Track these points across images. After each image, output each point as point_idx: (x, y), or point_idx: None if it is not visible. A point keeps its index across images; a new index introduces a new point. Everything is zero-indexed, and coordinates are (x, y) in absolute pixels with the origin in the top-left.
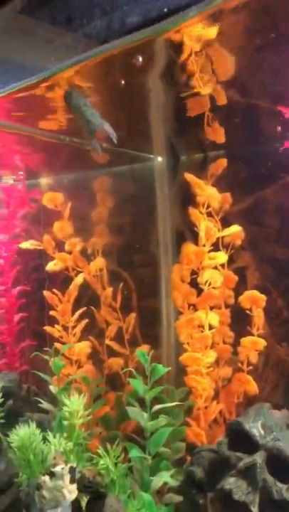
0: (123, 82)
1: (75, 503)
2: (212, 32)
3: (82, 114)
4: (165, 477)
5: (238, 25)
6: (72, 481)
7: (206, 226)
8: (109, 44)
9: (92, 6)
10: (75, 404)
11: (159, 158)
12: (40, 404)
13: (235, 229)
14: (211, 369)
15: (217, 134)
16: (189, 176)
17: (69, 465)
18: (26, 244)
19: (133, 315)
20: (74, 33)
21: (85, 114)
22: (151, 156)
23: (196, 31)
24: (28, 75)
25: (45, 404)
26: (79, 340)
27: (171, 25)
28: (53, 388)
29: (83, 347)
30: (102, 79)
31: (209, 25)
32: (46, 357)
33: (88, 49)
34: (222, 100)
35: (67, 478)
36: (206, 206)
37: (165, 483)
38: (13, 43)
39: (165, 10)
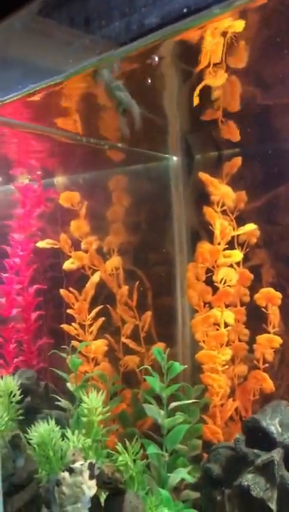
0: (149, 80)
1: (94, 499)
2: (237, 25)
3: (111, 91)
4: (182, 474)
5: (259, 23)
6: (91, 477)
7: (221, 224)
8: (127, 46)
9: (110, 8)
10: (93, 401)
11: (174, 158)
12: (58, 403)
13: (251, 227)
14: (227, 367)
15: (232, 132)
16: (203, 175)
17: (88, 461)
18: (43, 244)
19: (149, 313)
20: (92, 35)
21: (115, 91)
22: (167, 155)
23: (217, 27)
24: (46, 76)
25: (63, 402)
26: (95, 338)
27: (187, 26)
28: (70, 386)
29: (100, 345)
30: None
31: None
32: (63, 355)
33: (106, 50)
34: (236, 99)
35: (86, 474)
36: (220, 205)
37: (182, 480)
38: (32, 45)
39: (185, 10)
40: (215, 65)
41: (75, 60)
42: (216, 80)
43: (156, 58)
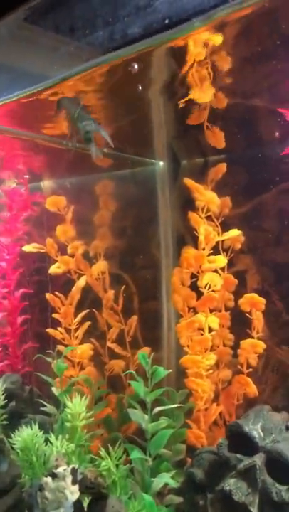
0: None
1: (77, 504)
2: (216, 39)
3: (74, 122)
4: (166, 478)
5: (239, 32)
6: (74, 482)
7: (205, 230)
8: (113, 53)
9: (94, 16)
10: (77, 406)
11: (161, 163)
12: (43, 408)
13: (235, 233)
14: (211, 371)
15: (217, 138)
16: (188, 181)
17: (71, 466)
18: (29, 248)
19: (134, 317)
20: (77, 42)
21: (78, 122)
22: (153, 160)
23: (198, 39)
24: (32, 82)
25: (47, 406)
26: (81, 343)
27: (172, 36)
28: (55, 390)
29: (85, 349)
30: (104, 86)
31: (212, 33)
32: (49, 359)
33: (92, 58)
34: (221, 105)
35: (69, 479)
36: (205, 210)
37: (165, 485)
38: (18, 51)
39: (166, 21)
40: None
41: (61, 67)
42: (204, 95)
43: (136, 66)
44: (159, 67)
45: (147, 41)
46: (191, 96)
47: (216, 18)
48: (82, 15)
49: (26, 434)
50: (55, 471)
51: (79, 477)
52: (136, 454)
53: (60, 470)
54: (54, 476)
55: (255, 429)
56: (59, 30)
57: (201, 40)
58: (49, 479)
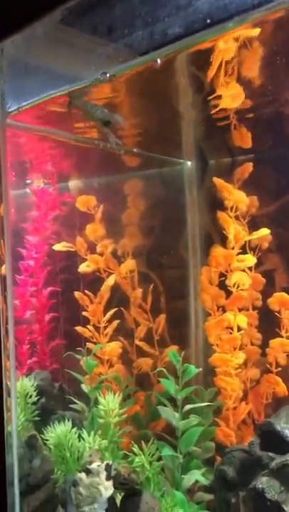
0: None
1: (111, 500)
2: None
3: (89, 113)
4: (196, 476)
5: (272, 31)
6: (108, 478)
7: (234, 229)
8: (149, 55)
9: (133, 17)
10: (110, 403)
11: (189, 163)
12: (73, 405)
13: (264, 232)
14: (240, 370)
15: (244, 138)
16: (218, 181)
17: (105, 462)
18: (59, 246)
19: (163, 316)
20: (115, 43)
21: (92, 111)
22: (181, 160)
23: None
24: (66, 83)
25: (78, 403)
26: (109, 341)
27: (208, 36)
28: (85, 387)
29: (114, 347)
30: (136, 86)
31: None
32: (78, 356)
33: (129, 59)
34: (249, 105)
35: (103, 475)
36: (234, 210)
37: (195, 482)
38: (53, 53)
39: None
40: (226, 71)
41: (97, 68)
42: (233, 100)
43: (159, 61)
44: (189, 68)
45: (187, 40)
46: (220, 105)
47: (257, 18)
48: (121, 15)
49: (60, 430)
50: (89, 466)
51: (113, 473)
52: (167, 451)
53: (94, 466)
54: (88, 471)
55: (287, 428)
56: (96, 32)
57: (233, 38)
58: (83, 475)
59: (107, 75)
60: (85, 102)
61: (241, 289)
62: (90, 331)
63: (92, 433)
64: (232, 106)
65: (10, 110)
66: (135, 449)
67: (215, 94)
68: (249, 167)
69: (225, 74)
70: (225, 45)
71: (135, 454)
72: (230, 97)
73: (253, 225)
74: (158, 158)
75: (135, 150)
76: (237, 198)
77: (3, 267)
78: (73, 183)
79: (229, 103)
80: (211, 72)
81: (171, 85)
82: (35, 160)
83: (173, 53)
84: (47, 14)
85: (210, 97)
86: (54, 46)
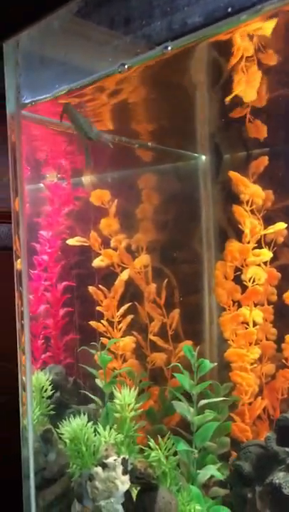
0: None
1: (127, 494)
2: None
3: (79, 125)
4: (212, 470)
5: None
6: (124, 473)
7: (250, 223)
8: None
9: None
10: (126, 397)
11: (203, 157)
12: (88, 398)
13: (281, 226)
14: (255, 365)
15: (259, 132)
16: (234, 174)
17: (121, 456)
18: (73, 241)
19: (177, 311)
20: (132, 35)
21: (82, 125)
22: (196, 154)
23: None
24: (83, 76)
25: (93, 398)
26: (123, 335)
27: (229, 26)
28: (99, 382)
29: (128, 342)
30: (151, 79)
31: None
32: (93, 351)
33: (146, 50)
34: (265, 99)
35: (119, 469)
36: (249, 204)
37: (210, 477)
38: (69, 45)
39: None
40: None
41: (114, 60)
42: (250, 93)
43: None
44: (205, 60)
45: (207, 30)
46: (237, 92)
47: (279, 7)
48: (138, 6)
49: (76, 424)
50: (105, 461)
51: (129, 467)
52: (182, 445)
53: (110, 460)
54: (104, 466)
55: None
56: (113, 23)
57: (249, 32)
58: (99, 469)
59: (126, 66)
60: (77, 115)
61: (257, 284)
62: (104, 325)
63: (108, 427)
64: (250, 98)
65: (26, 102)
66: (151, 443)
67: (234, 87)
68: (264, 161)
69: (244, 66)
70: (244, 38)
71: (151, 449)
72: (249, 88)
73: (268, 220)
74: (173, 152)
75: (149, 144)
76: (253, 191)
77: (18, 262)
78: (87, 178)
79: (248, 95)
80: (232, 62)
81: (186, 77)
82: (50, 154)
83: (192, 43)
84: (63, 6)
85: (227, 89)
86: (70, 38)
